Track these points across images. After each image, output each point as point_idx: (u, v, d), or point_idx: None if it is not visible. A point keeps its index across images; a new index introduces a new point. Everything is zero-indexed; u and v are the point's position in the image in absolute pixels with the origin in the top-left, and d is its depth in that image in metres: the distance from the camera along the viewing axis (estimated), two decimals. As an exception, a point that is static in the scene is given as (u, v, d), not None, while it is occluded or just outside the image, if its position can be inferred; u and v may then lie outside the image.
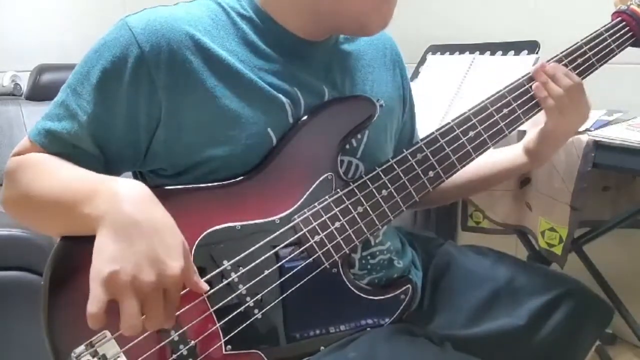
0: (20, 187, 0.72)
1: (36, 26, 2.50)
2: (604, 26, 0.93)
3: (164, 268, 0.59)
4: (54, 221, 0.70)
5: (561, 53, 0.90)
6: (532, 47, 1.44)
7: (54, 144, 0.73)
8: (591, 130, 1.27)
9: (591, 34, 0.92)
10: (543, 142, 0.92)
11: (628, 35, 0.93)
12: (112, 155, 0.74)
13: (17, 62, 2.43)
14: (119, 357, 0.64)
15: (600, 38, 0.92)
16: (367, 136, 0.83)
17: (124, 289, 0.58)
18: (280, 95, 0.75)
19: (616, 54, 0.93)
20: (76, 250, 0.66)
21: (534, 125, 0.94)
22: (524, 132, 1.00)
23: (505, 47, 1.51)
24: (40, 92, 2.35)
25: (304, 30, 0.78)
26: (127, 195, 0.63)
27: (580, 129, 1.28)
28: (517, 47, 1.48)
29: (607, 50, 0.91)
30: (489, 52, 1.56)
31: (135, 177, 0.83)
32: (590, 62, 0.90)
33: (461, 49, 1.65)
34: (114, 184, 0.65)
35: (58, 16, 2.53)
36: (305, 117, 0.77)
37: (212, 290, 0.69)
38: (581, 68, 0.89)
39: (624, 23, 0.94)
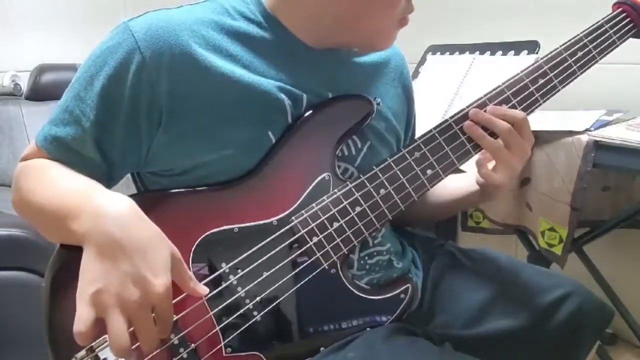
0: (22, 193, 0.74)
1: (36, 26, 2.50)
2: (605, 17, 0.91)
3: (147, 286, 0.59)
4: (48, 230, 0.72)
5: (561, 46, 0.88)
6: (532, 47, 1.44)
7: (59, 149, 0.73)
8: (591, 130, 1.27)
9: (591, 26, 0.90)
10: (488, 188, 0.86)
11: (629, 26, 0.91)
12: (115, 160, 0.75)
13: (17, 62, 2.44)
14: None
15: (601, 30, 0.90)
16: (368, 146, 0.83)
17: (108, 308, 0.58)
18: (282, 95, 0.75)
19: (617, 45, 0.91)
20: (77, 253, 0.66)
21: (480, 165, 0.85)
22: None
23: (505, 47, 1.51)
24: (40, 92, 2.35)
25: (312, 38, 0.78)
26: (110, 212, 0.62)
27: (580, 129, 1.29)
28: (517, 47, 1.48)
29: (608, 42, 0.90)
30: (489, 52, 1.56)
31: (133, 177, 0.83)
32: (591, 54, 0.88)
33: (461, 49, 1.65)
34: (98, 200, 0.64)
35: (58, 16, 2.53)
36: (301, 118, 0.77)
37: (211, 294, 0.69)
38: (582, 61, 0.87)
39: (624, 14, 0.92)
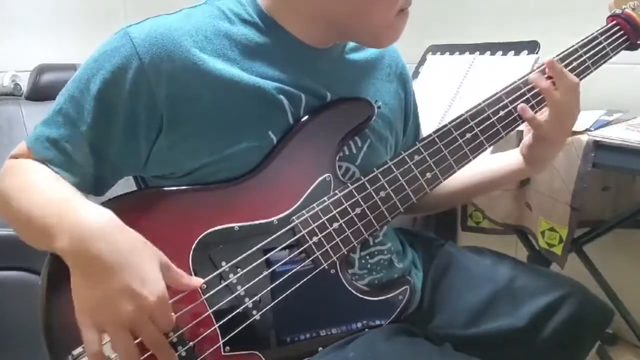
0: (2, 192, 0.72)
1: (36, 26, 2.50)
2: (599, 30, 0.94)
3: (139, 300, 0.61)
4: (27, 238, 0.71)
5: (557, 56, 0.90)
6: (532, 47, 1.44)
7: (49, 150, 0.73)
8: (591, 130, 1.27)
9: (586, 38, 0.92)
10: (539, 145, 0.90)
11: (623, 39, 0.94)
12: (113, 163, 0.74)
13: (17, 62, 2.43)
14: (117, 358, 0.64)
15: (596, 42, 0.92)
16: (368, 145, 0.83)
17: (109, 327, 0.61)
18: (281, 96, 0.76)
19: (611, 57, 0.94)
20: None
21: (529, 130, 0.93)
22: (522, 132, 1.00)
23: (505, 47, 1.51)
24: (40, 92, 2.34)
25: (311, 37, 0.78)
26: (89, 226, 0.62)
27: (580, 129, 1.29)
28: (517, 47, 1.48)
29: (602, 53, 0.92)
30: (489, 52, 1.56)
31: (136, 180, 0.83)
32: (586, 65, 0.91)
33: (461, 49, 1.65)
34: (76, 213, 0.64)
35: (58, 16, 2.53)
36: (304, 119, 0.77)
37: (211, 292, 0.69)
38: (577, 71, 0.89)
39: (618, 27, 0.95)
